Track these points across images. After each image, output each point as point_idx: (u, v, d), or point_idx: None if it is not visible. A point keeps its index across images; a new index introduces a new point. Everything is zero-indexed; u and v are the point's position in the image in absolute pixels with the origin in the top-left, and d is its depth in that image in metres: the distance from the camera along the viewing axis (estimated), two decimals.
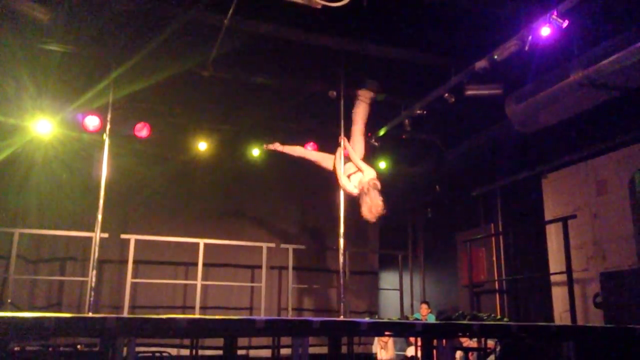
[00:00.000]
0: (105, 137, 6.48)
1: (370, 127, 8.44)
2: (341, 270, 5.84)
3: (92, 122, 7.54)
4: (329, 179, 6.45)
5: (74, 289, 7.96)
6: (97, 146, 7.18)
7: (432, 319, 8.78)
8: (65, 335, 4.65)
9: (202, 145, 8.54)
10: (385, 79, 7.51)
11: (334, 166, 6.17)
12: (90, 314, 5.79)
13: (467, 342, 7.31)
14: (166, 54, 6.57)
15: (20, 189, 7.88)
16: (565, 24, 5.31)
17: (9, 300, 6.71)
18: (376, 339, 9.02)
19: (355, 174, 6.01)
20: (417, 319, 8.63)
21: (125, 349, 3.21)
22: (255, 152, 8.82)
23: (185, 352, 7.59)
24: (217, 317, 3.71)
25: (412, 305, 9.79)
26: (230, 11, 5.47)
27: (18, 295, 7.36)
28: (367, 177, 5.85)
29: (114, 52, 6.54)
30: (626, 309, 5.34)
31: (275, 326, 3.73)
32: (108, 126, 6.58)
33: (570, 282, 5.96)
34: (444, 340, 4.01)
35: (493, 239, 8.79)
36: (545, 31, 5.39)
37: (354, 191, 5.87)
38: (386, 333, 6.74)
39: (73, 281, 7.89)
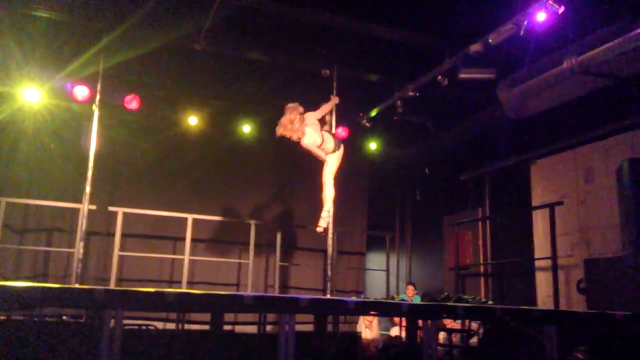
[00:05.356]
0: (95, 108, 6.40)
1: (362, 108, 8.45)
2: (329, 249, 5.86)
3: (81, 92, 7.43)
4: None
5: (60, 260, 7.92)
6: (87, 116, 7.09)
7: (417, 301, 8.88)
8: (52, 305, 4.63)
9: (193, 120, 8.48)
10: (379, 60, 7.48)
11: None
12: (77, 286, 5.78)
13: (450, 323, 7.40)
14: (157, 23, 6.47)
15: (7, 157, 7.79)
16: (561, 9, 5.30)
17: None
18: (361, 318, 9.10)
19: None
20: (403, 300, 8.72)
21: (112, 321, 3.21)
22: (246, 128, 8.78)
23: (171, 326, 7.61)
24: (205, 291, 3.72)
25: (397, 286, 9.88)
26: None
27: (3, 265, 7.32)
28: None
29: (103, 19, 6.42)
30: (608, 295, 5.43)
31: (263, 303, 3.75)
32: (98, 97, 6.49)
33: (554, 268, 6.04)
34: (428, 321, 4.06)
35: (480, 223, 8.87)
36: (541, 16, 5.38)
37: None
38: (372, 312, 6.82)
39: (59, 252, 7.85)
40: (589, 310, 5.40)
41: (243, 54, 7.24)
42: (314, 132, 5.66)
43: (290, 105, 5.52)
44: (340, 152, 5.89)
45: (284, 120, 5.46)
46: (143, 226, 8.37)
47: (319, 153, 5.80)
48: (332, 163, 5.86)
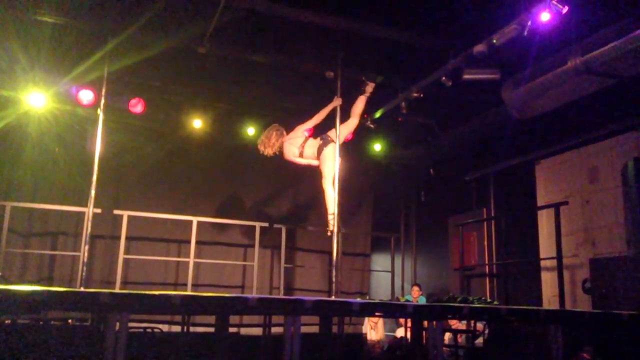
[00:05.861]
0: (100, 112, 6.42)
1: (367, 109, 8.43)
2: (334, 251, 5.86)
3: (86, 96, 7.47)
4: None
5: (65, 263, 7.95)
6: (91, 120, 7.12)
7: (423, 302, 8.88)
8: (57, 309, 4.65)
9: (197, 123, 8.51)
10: (383, 61, 7.47)
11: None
12: (82, 289, 5.80)
13: (456, 324, 7.40)
14: (161, 27, 6.49)
15: (13, 162, 7.82)
16: (565, 9, 5.28)
17: (0, 274, 6.70)
18: (366, 319, 9.11)
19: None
20: (408, 301, 8.71)
21: (117, 324, 3.22)
22: (250, 130, 8.79)
23: (176, 328, 7.62)
24: (210, 294, 3.73)
25: (402, 287, 9.87)
26: None
27: (9, 269, 7.35)
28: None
29: (108, 24, 6.45)
30: (614, 295, 5.41)
31: (268, 304, 3.76)
32: (102, 101, 6.52)
33: (560, 268, 6.02)
34: (434, 322, 4.06)
35: (485, 223, 8.86)
36: (544, 16, 5.36)
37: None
38: (377, 314, 6.82)
39: (65, 256, 7.88)
40: (595, 310, 5.39)
41: (247, 56, 7.24)
42: (291, 145, 6.10)
43: (271, 126, 6.25)
44: (327, 151, 5.97)
45: (263, 137, 6.17)
46: (148, 229, 8.39)
47: (307, 162, 6.06)
48: (324, 167, 5.99)
